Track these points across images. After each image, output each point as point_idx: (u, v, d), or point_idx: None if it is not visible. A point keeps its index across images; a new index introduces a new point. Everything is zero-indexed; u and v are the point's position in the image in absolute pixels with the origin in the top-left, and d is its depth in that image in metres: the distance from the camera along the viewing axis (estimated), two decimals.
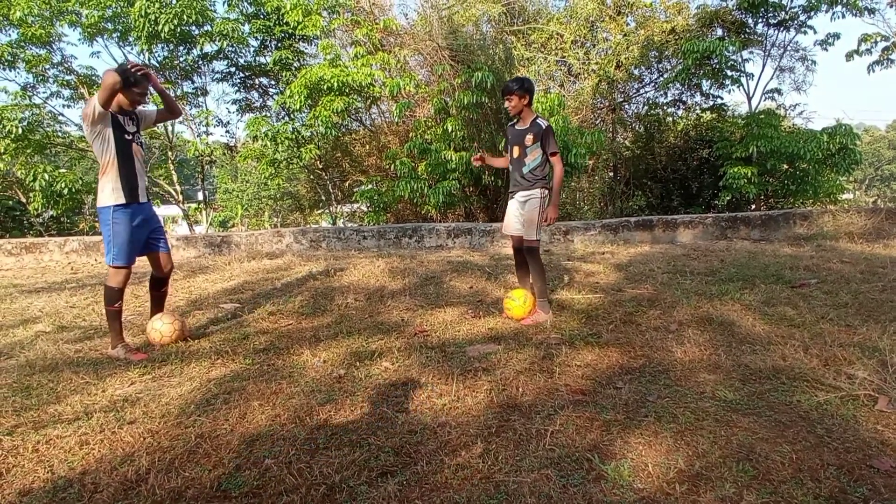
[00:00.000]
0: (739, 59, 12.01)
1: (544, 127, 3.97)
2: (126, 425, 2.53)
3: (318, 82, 10.14)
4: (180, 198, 13.85)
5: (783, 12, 11.49)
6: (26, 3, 10.62)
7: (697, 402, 2.56)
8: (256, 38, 12.68)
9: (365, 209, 12.53)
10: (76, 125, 13.89)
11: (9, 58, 11.25)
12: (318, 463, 2.16)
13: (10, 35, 11.62)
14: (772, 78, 12.94)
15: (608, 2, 12.84)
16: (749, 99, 12.66)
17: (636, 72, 13.24)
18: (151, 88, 3.63)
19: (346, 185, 14.34)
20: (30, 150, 11.67)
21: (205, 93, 13.52)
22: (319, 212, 18.30)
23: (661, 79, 13.22)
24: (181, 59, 12.42)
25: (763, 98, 12.80)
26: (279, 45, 12.38)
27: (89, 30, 11.44)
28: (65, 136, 13.40)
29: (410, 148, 10.17)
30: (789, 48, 12.77)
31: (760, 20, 12.01)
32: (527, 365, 3.12)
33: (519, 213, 4.17)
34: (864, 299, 4.12)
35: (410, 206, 11.54)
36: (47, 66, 11.91)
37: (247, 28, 12.28)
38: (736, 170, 10.39)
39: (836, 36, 11.67)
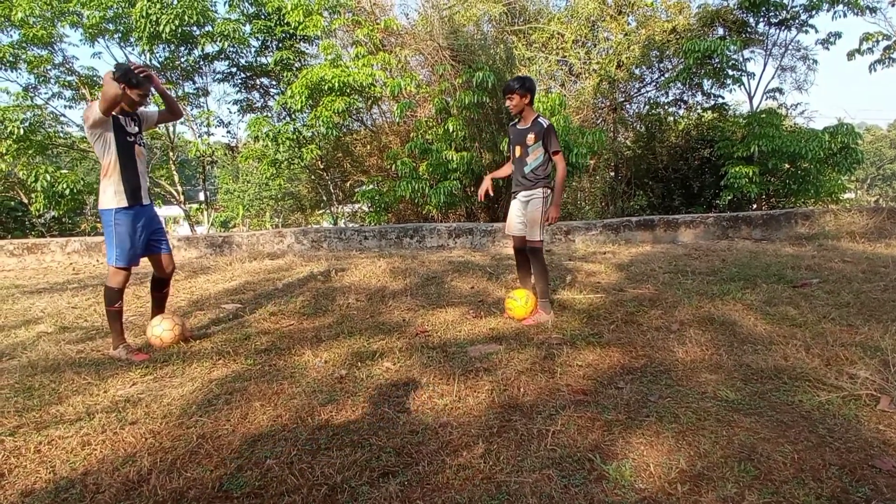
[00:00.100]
0: (741, 59, 12.00)
1: (546, 126, 3.96)
2: (128, 426, 2.53)
3: (319, 82, 10.14)
4: (182, 198, 13.86)
5: (784, 11, 11.47)
6: (28, 3, 10.63)
7: (699, 402, 2.55)
8: (257, 39, 12.70)
9: (366, 209, 12.53)
10: (78, 126, 13.92)
11: (10, 59, 11.26)
12: (319, 463, 2.16)
13: (11, 36, 11.65)
14: (773, 77, 12.95)
15: (609, 1, 12.83)
16: (750, 98, 12.65)
17: (637, 71, 13.23)
18: (153, 90, 3.64)
19: (348, 185, 14.35)
20: (31, 150, 11.69)
21: (206, 93, 13.55)
22: (321, 212, 18.31)
23: (663, 78, 13.21)
24: (182, 60, 12.43)
25: (764, 97, 12.79)
26: (280, 45, 12.40)
27: (90, 30, 11.45)
28: (66, 137, 13.42)
29: (411, 148, 10.17)
30: (790, 47, 12.76)
31: (762, 19, 11.99)
32: (528, 365, 3.12)
33: (521, 214, 4.16)
34: (866, 299, 4.12)
35: (412, 207, 11.54)
36: (49, 67, 11.93)
37: (248, 28, 12.29)
38: (737, 169, 10.38)
39: (838, 35, 11.65)
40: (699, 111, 13.80)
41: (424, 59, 11.71)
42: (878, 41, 11.57)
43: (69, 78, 12.44)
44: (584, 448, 2.20)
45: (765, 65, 12.50)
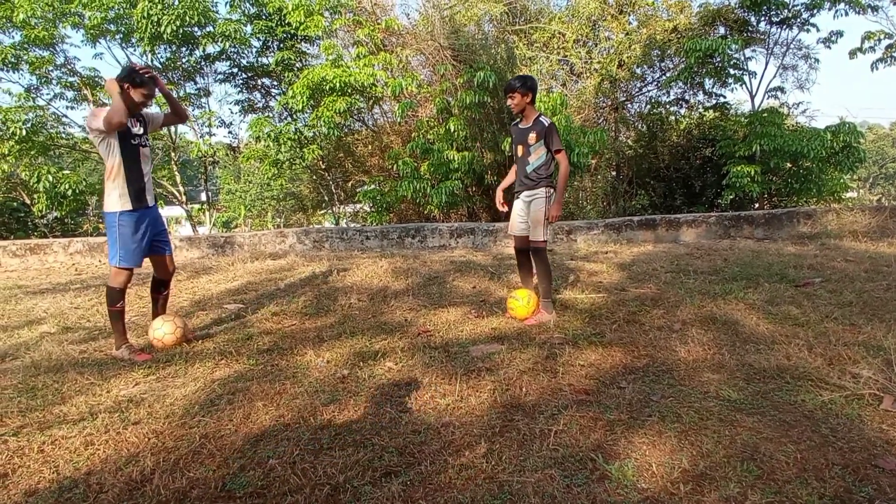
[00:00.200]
0: (742, 58, 11.99)
1: (547, 125, 3.95)
2: (131, 426, 2.54)
3: (320, 83, 10.15)
4: (183, 199, 13.88)
5: (786, 10, 11.46)
6: (29, 4, 10.65)
7: (701, 402, 2.55)
8: (259, 39, 12.70)
9: (368, 209, 12.53)
10: (79, 126, 13.93)
11: (12, 60, 11.27)
12: (322, 463, 2.17)
13: (13, 37, 11.67)
14: (775, 76, 12.95)
15: (610, 1, 12.82)
16: (752, 97, 12.64)
17: (638, 71, 13.21)
18: (158, 92, 3.64)
19: (349, 185, 14.36)
20: (34, 151, 11.71)
21: (207, 94, 13.56)
22: (322, 212, 18.33)
23: (664, 77, 13.20)
24: (184, 61, 12.45)
25: (766, 96, 12.78)
26: (281, 45, 12.40)
27: (92, 31, 11.47)
28: (68, 138, 13.44)
29: (413, 148, 10.17)
30: (792, 46, 12.75)
31: (763, 18, 11.98)
32: (530, 365, 3.12)
33: (524, 213, 4.15)
34: (869, 298, 4.11)
35: (413, 206, 11.55)
36: (51, 68, 11.94)
37: (249, 29, 12.30)
38: (739, 168, 10.36)
39: (839, 34, 11.64)
40: (701, 110, 13.79)
41: (425, 58, 11.72)
42: (879, 40, 11.55)
43: (71, 79, 12.47)
44: (587, 448, 2.20)
45: (766, 64, 12.50)
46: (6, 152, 11.14)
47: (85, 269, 7.98)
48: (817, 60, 13.14)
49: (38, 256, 8.76)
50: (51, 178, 10.66)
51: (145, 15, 10.50)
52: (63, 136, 13.18)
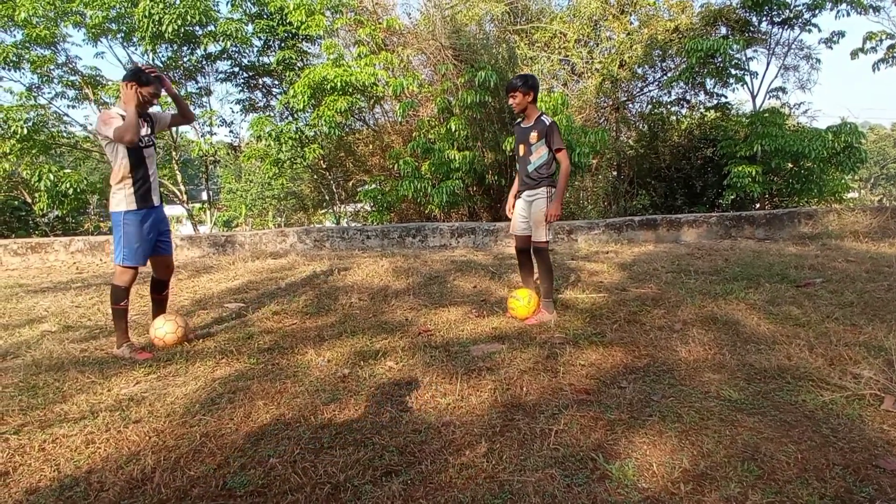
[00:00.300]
0: (743, 58, 11.98)
1: (548, 123, 3.94)
2: (131, 424, 2.54)
3: (321, 82, 10.15)
4: (184, 198, 13.90)
5: (787, 10, 11.44)
6: (31, 3, 10.66)
7: (702, 402, 2.55)
8: (260, 38, 12.70)
9: (368, 209, 12.54)
10: (81, 125, 13.98)
11: (14, 58, 11.28)
12: (322, 462, 2.17)
13: (14, 36, 11.68)
14: (776, 76, 12.94)
15: (611, 0, 12.81)
16: (753, 97, 12.63)
17: (640, 71, 13.21)
18: (165, 92, 3.66)
19: (350, 184, 14.36)
20: (35, 150, 11.72)
21: (209, 93, 13.57)
22: (323, 211, 18.34)
23: (665, 77, 13.19)
24: (185, 60, 12.45)
25: (767, 96, 12.77)
26: (282, 45, 12.40)
27: (93, 30, 11.48)
28: (69, 137, 13.45)
29: (414, 147, 10.17)
30: (794, 46, 12.73)
31: (765, 18, 11.97)
32: (531, 364, 3.12)
33: (526, 213, 4.15)
34: (870, 298, 4.11)
35: (414, 206, 11.55)
36: (52, 67, 11.95)
37: (250, 28, 12.30)
38: (740, 168, 10.35)
39: (841, 34, 11.62)
40: (702, 110, 13.78)
41: (427, 58, 11.71)
42: (881, 40, 11.53)
43: (72, 78, 12.47)
44: (587, 447, 2.20)
45: (768, 64, 12.50)
46: (7, 151, 11.15)
47: (86, 267, 7.98)
48: (819, 61, 13.13)
49: (40, 255, 8.76)
50: (52, 176, 10.68)
51: (147, 14, 10.51)
52: (64, 134, 13.18)
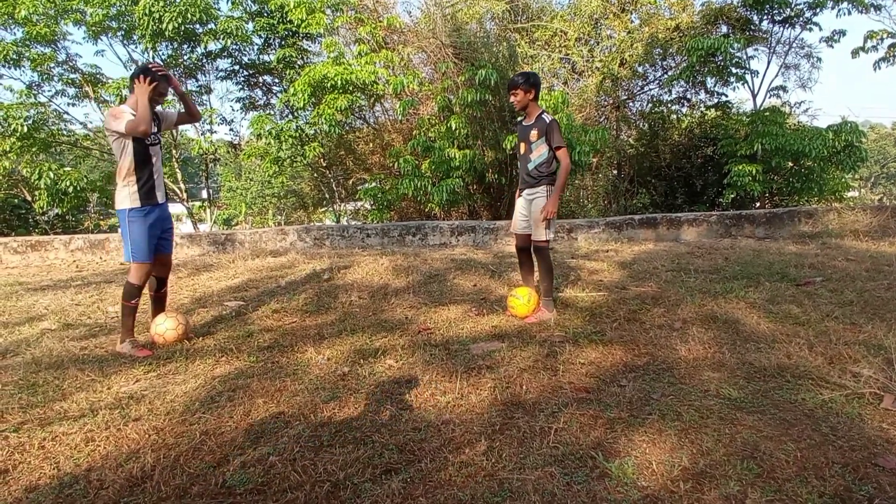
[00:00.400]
0: (744, 57, 11.97)
1: (548, 121, 3.93)
2: (131, 422, 2.54)
3: (321, 80, 10.14)
4: (184, 196, 13.89)
5: (788, 9, 11.43)
6: (31, 1, 10.63)
7: (702, 400, 2.55)
8: (260, 36, 12.69)
9: (368, 207, 12.53)
10: (81, 123, 13.96)
11: (14, 56, 11.26)
12: (322, 460, 2.17)
13: (15, 33, 11.64)
14: (777, 75, 12.93)
15: None
16: (754, 96, 12.62)
17: (640, 69, 13.19)
18: (172, 91, 3.68)
19: (350, 183, 14.35)
20: (35, 148, 11.70)
21: (209, 91, 13.54)
22: (323, 210, 18.33)
23: (666, 76, 13.18)
24: (185, 58, 12.44)
25: (768, 95, 12.77)
26: (283, 43, 12.38)
27: (94, 28, 11.46)
28: (70, 135, 13.44)
29: (414, 146, 10.16)
30: (794, 45, 12.73)
31: (765, 17, 11.95)
32: (531, 363, 3.12)
33: (526, 212, 4.14)
34: (870, 297, 4.10)
35: (414, 204, 11.54)
36: (52, 65, 11.93)
37: (250, 26, 12.28)
38: (740, 167, 10.35)
39: (842, 32, 11.61)
40: (702, 109, 13.77)
41: (427, 56, 11.69)
42: (882, 39, 11.52)
43: (72, 76, 12.46)
44: (587, 446, 2.20)
45: (768, 62, 12.49)
46: (7, 149, 11.14)
47: (86, 265, 7.98)
48: (819, 59, 13.13)
49: (40, 253, 8.76)
50: (52, 174, 10.67)
51: (147, 12, 10.50)
52: (64, 132, 13.18)
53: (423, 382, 2.91)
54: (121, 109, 3.50)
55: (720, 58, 11.01)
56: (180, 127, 13.83)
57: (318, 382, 2.96)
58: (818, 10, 11.30)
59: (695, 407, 2.48)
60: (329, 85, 10.18)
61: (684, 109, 14.07)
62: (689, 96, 13.71)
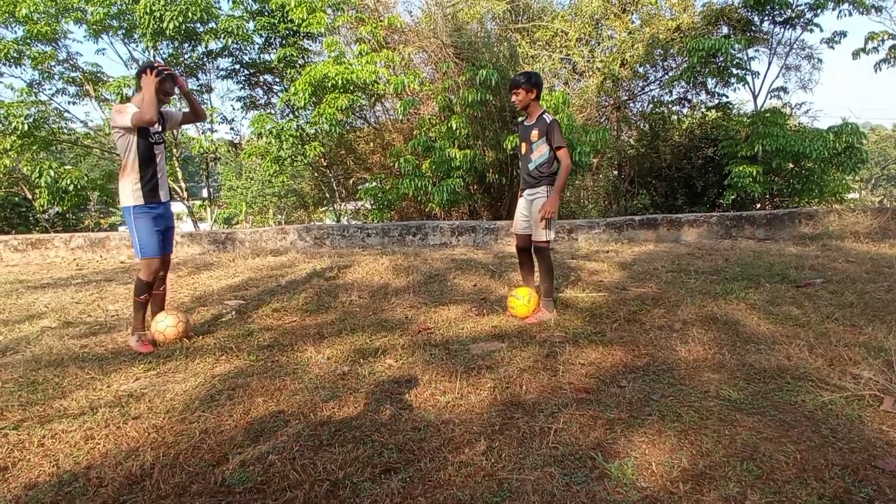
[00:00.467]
0: (745, 58, 11.96)
1: (549, 121, 3.92)
2: (131, 420, 2.54)
3: (322, 79, 10.14)
4: (185, 195, 13.88)
5: (789, 10, 11.42)
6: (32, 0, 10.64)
7: (701, 402, 2.55)
8: (261, 36, 12.68)
9: (369, 207, 12.53)
10: (81, 122, 13.96)
11: (15, 54, 11.25)
12: (321, 459, 2.17)
13: (16, 32, 11.64)
14: (777, 76, 12.93)
15: None
16: (755, 97, 12.61)
17: (641, 70, 13.19)
18: (178, 91, 3.71)
19: (351, 182, 14.35)
20: (35, 146, 11.71)
21: (209, 90, 13.53)
22: (323, 209, 18.34)
23: (667, 77, 13.17)
24: (186, 57, 12.43)
25: (769, 96, 12.75)
26: (284, 42, 12.38)
27: (95, 27, 11.46)
28: (70, 133, 13.43)
29: (415, 145, 10.16)
30: (795, 46, 12.71)
31: (766, 18, 11.95)
32: (530, 363, 3.12)
33: (527, 212, 4.13)
34: (870, 299, 4.10)
35: (414, 204, 11.54)
36: (53, 63, 11.93)
37: (251, 25, 12.27)
38: (741, 168, 10.34)
39: (843, 34, 11.61)
40: (703, 110, 13.77)
41: (428, 56, 11.69)
42: (883, 40, 11.51)
43: (73, 74, 12.45)
44: (586, 446, 2.20)
45: (769, 64, 12.56)
46: (8, 147, 11.14)
47: (86, 264, 7.98)
48: (820, 61, 13.13)
49: (40, 251, 8.76)
50: (52, 173, 10.66)
51: (148, 11, 10.49)
52: (65, 131, 13.17)
53: (423, 382, 2.91)
54: (125, 105, 3.54)
55: (721, 59, 11.00)
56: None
57: (318, 381, 2.96)
58: (819, 11, 11.29)
59: (694, 408, 2.48)
60: (330, 84, 10.18)
61: (685, 110, 14.09)
62: (689, 97, 13.72)
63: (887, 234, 7.14)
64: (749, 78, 12.13)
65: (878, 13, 11.77)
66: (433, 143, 10.12)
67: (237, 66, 13.29)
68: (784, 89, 12.97)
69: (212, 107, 13.40)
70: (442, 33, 11.21)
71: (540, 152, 3.96)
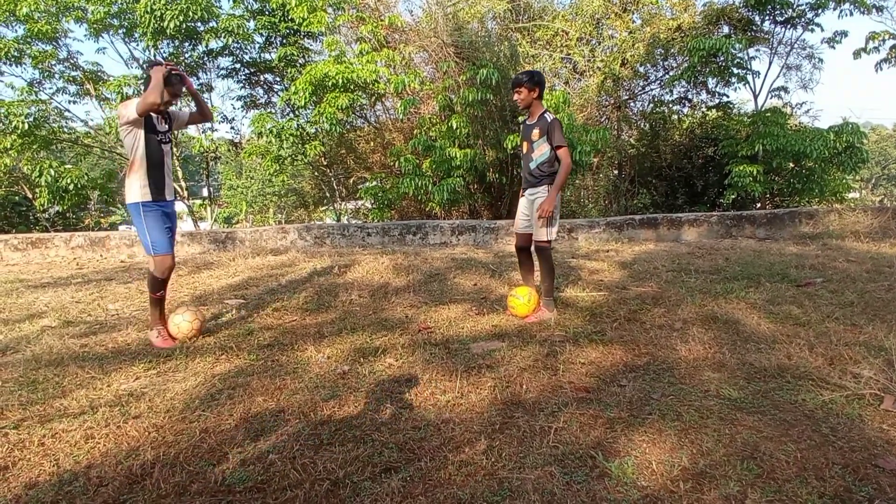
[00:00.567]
0: (746, 57, 11.95)
1: (550, 120, 3.91)
2: (131, 420, 2.54)
3: (322, 79, 10.13)
4: (185, 194, 13.88)
5: (790, 9, 11.41)
6: None
7: (702, 401, 2.55)
8: (261, 35, 12.67)
9: (369, 206, 12.53)
10: (82, 121, 13.96)
11: (15, 53, 11.25)
12: (321, 458, 2.17)
13: (16, 31, 11.64)
14: (778, 76, 12.91)
15: None
16: (755, 97, 12.60)
17: (642, 69, 13.18)
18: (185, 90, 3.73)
19: (351, 181, 14.35)
20: (36, 145, 11.70)
21: (210, 89, 13.53)
22: (324, 208, 18.33)
23: (667, 76, 13.16)
24: (187, 56, 12.42)
25: (769, 96, 12.74)
26: (284, 41, 12.38)
27: (95, 26, 11.45)
28: (71, 132, 13.43)
29: (415, 145, 10.16)
30: (796, 46, 12.70)
31: (767, 17, 11.94)
32: (531, 362, 3.12)
33: (528, 211, 4.13)
34: (870, 298, 4.10)
35: (415, 203, 11.53)
36: (53, 62, 11.92)
37: (252, 24, 12.27)
38: (741, 168, 10.34)
39: (844, 34, 11.59)
40: (703, 109, 13.75)
41: (428, 55, 11.68)
42: (884, 40, 11.50)
43: (74, 73, 12.45)
44: (587, 445, 2.20)
45: (770, 63, 12.46)
46: (8, 146, 11.14)
47: (86, 263, 7.99)
48: (821, 60, 13.10)
49: (40, 250, 8.77)
50: (53, 172, 10.67)
51: (148, 9, 10.49)
52: (65, 130, 13.17)
53: (423, 381, 2.91)
54: (130, 100, 3.57)
55: (722, 58, 10.99)
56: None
57: (318, 381, 2.96)
58: (820, 10, 11.27)
59: (695, 407, 2.48)
60: (330, 83, 10.17)
61: (685, 110, 14.07)
62: (690, 97, 13.70)
63: (887, 234, 7.13)
64: (750, 77, 12.12)
65: (880, 13, 11.75)
66: (433, 142, 10.12)
67: (238, 66, 13.29)
68: (785, 89, 12.96)
69: (213, 106, 13.40)
70: (442, 32, 11.20)
71: (541, 151, 3.96)
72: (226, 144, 15.05)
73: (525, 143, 4.07)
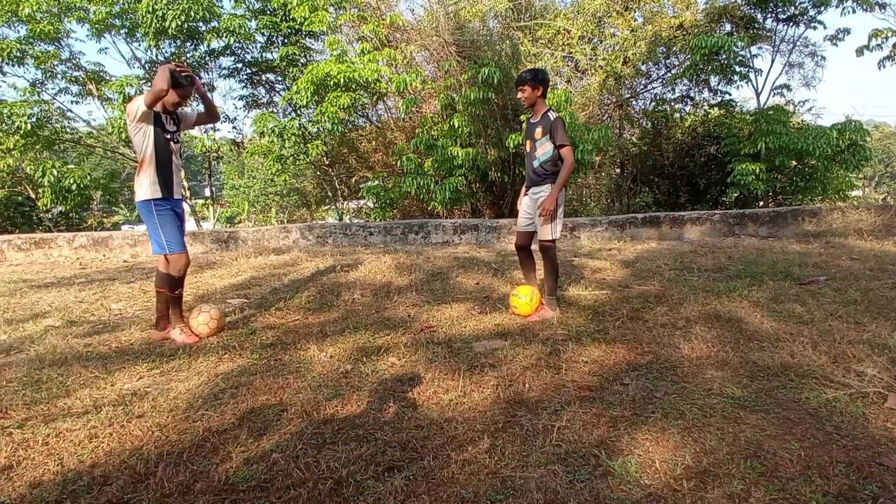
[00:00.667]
0: (748, 55, 11.93)
1: (553, 119, 3.90)
2: (135, 419, 2.55)
3: (324, 78, 10.14)
4: (187, 194, 13.91)
5: (792, 7, 11.39)
6: None
7: (705, 399, 2.55)
8: (263, 34, 12.69)
9: (371, 205, 12.55)
10: (84, 121, 14.00)
11: (18, 54, 11.29)
12: (324, 457, 2.17)
13: (18, 31, 11.69)
14: (781, 74, 12.92)
15: None
16: (757, 95, 12.58)
17: (644, 68, 13.17)
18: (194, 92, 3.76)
19: (353, 181, 14.37)
20: (39, 146, 11.74)
21: (212, 89, 13.55)
22: (326, 208, 18.35)
23: (669, 75, 13.15)
24: (188, 56, 12.45)
25: (772, 94, 12.73)
26: (286, 40, 12.39)
27: (97, 26, 11.48)
28: (73, 132, 13.46)
29: (417, 144, 10.16)
30: (799, 43, 12.69)
31: (769, 15, 11.92)
32: (533, 361, 3.11)
33: (531, 210, 4.12)
34: (874, 296, 4.09)
35: (417, 203, 11.55)
36: (56, 63, 11.96)
37: (253, 24, 12.29)
38: (744, 166, 10.32)
39: (847, 31, 11.57)
40: (706, 108, 13.74)
41: (430, 54, 11.68)
42: (887, 38, 11.46)
43: (76, 73, 12.49)
44: (590, 444, 2.20)
45: (772, 61, 12.44)
46: (11, 147, 11.18)
47: (89, 263, 8.00)
48: (824, 58, 13.10)
49: (43, 250, 8.79)
50: (55, 172, 10.70)
51: (150, 10, 10.51)
52: (68, 130, 13.21)
53: (426, 380, 2.91)
54: (137, 97, 3.60)
55: (724, 56, 10.97)
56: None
57: (321, 380, 2.96)
58: (822, 8, 11.25)
59: (698, 405, 2.48)
60: (332, 83, 10.18)
61: (688, 108, 14.05)
62: (692, 95, 13.68)
63: (891, 232, 7.12)
64: (752, 75, 12.12)
65: (882, 10, 11.71)
66: (435, 141, 10.12)
67: (239, 65, 13.31)
68: (787, 87, 12.96)
69: None
70: (444, 31, 11.20)
71: (544, 150, 3.95)
72: (228, 144, 15.07)
73: (528, 142, 4.06)
